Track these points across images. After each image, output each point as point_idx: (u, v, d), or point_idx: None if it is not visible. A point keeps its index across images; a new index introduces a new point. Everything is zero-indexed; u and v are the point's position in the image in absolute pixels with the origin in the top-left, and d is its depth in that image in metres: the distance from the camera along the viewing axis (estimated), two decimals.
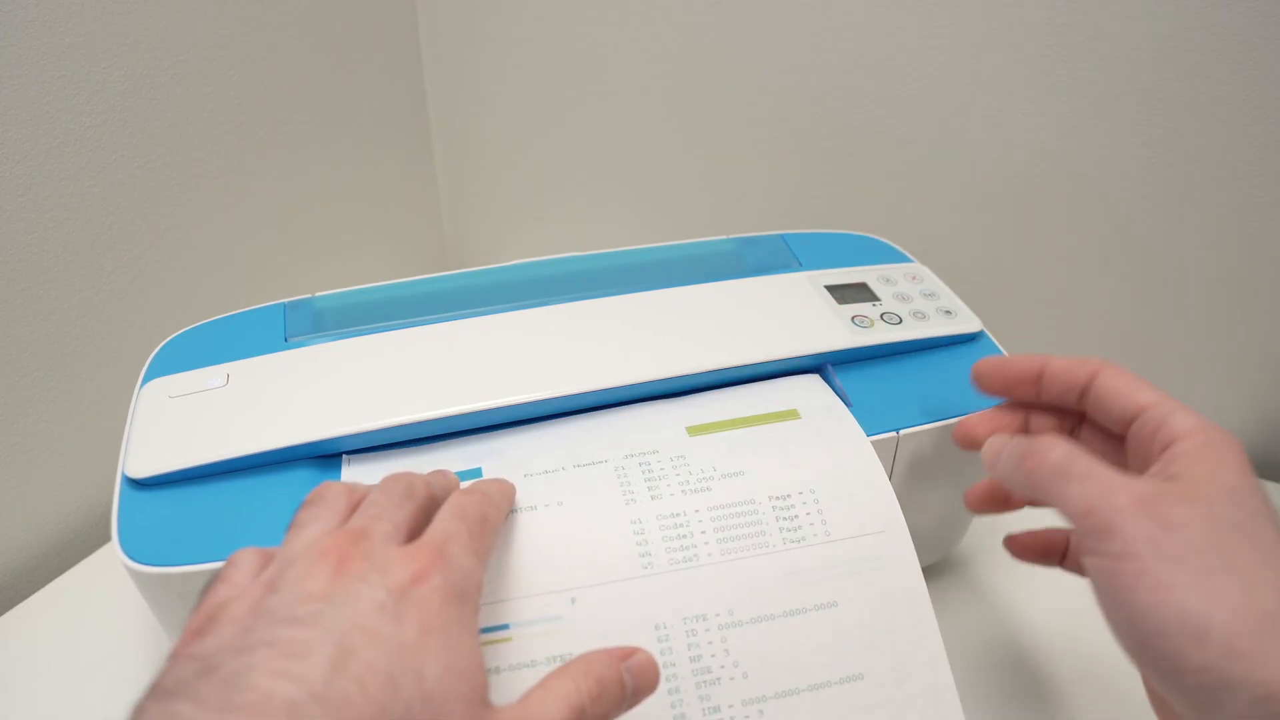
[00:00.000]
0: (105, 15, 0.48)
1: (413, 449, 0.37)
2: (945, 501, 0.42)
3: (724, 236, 0.51)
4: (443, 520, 0.27)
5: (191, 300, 0.58)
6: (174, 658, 0.22)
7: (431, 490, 0.29)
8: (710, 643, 0.31)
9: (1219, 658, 0.23)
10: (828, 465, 0.35)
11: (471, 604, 0.25)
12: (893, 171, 0.60)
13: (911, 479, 0.40)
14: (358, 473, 0.35)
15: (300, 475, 0.35)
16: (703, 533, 0.33)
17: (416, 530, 0.27)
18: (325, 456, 0.36)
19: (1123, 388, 0.32)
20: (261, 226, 0.62)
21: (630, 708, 0.26)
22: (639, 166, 0.70)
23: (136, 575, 0.32)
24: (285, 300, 0.45)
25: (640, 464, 0.35)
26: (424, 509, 0.28)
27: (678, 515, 0.33)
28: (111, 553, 0.33)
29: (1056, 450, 0.29)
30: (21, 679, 0.44)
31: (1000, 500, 0.36)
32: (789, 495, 0.34)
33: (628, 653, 0.27)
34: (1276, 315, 0.54)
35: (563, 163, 0.73)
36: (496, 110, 0.73)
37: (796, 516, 0.34)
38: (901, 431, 0.38)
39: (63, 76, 0.47)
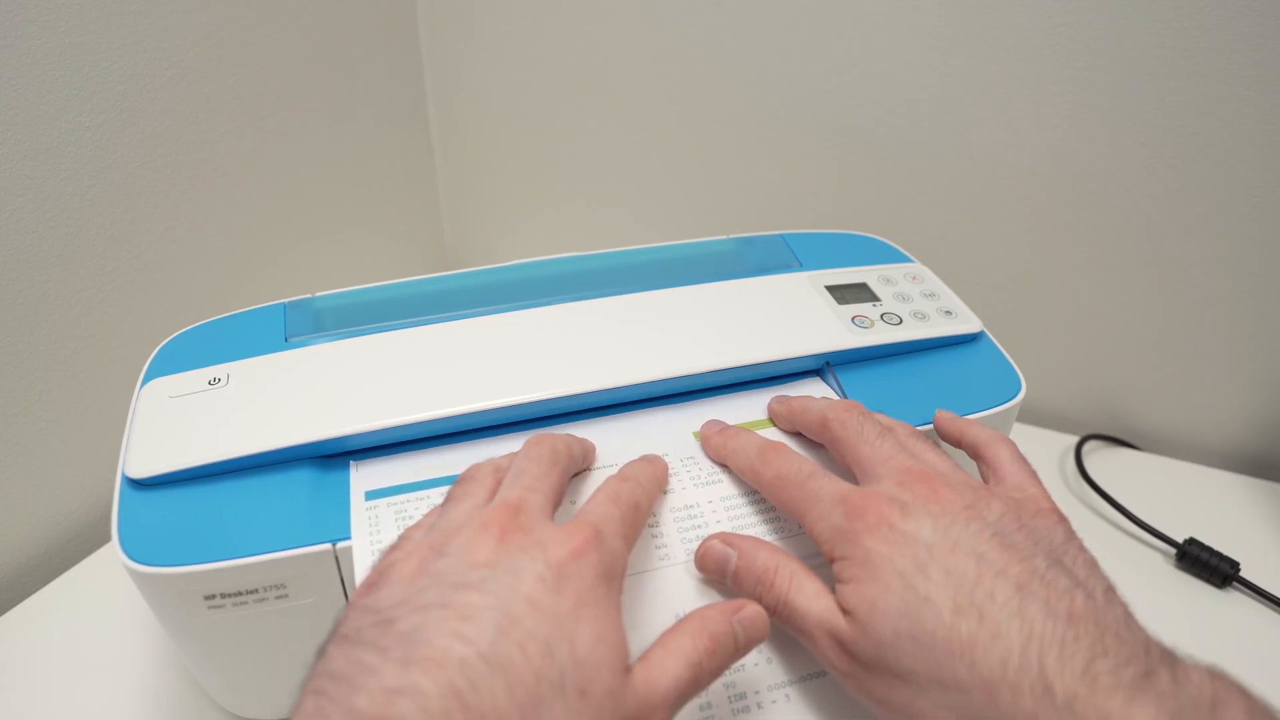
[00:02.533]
0: (105, 15, 0.48)
1: (416, 451, 0.37)
2: None
3: (724, 236, 0.51)
4: (599, 503, 0.29)
5: (191, 300, 0.58)
6: (351, 607, 0.24)
7: (572, 452, 0.32)
8: None
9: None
10: None
11: (618, 583, 0.26)
12: (893, 172, 0.60)
13: None
14: (365, 476, 0.35)
15: (300, 475, 0.35)
16: (717, 522, 0.33)
17: (562, 495, 0.30)
18: (325, 456, 0.36)
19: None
20: (261, 226, 0.62)
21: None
22: (639, 166, 0.70)
23: (136, 575, 0.32)
24: (285, 300, 0.45)
25: None
26: (568, 473, 0.31)
27: (691, 507, 0.34)
28: (111, 553, 0.33)
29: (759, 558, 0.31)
30: (21, 679, 0.44)
31: None
32: None
33: (738, 606, 0.28)
34: (1277, 315, 0.54)
35: (563, 163, 0.73)
36: (496, 110, 0.73)
37: None
38: None
39: (63, 76, 0.47)
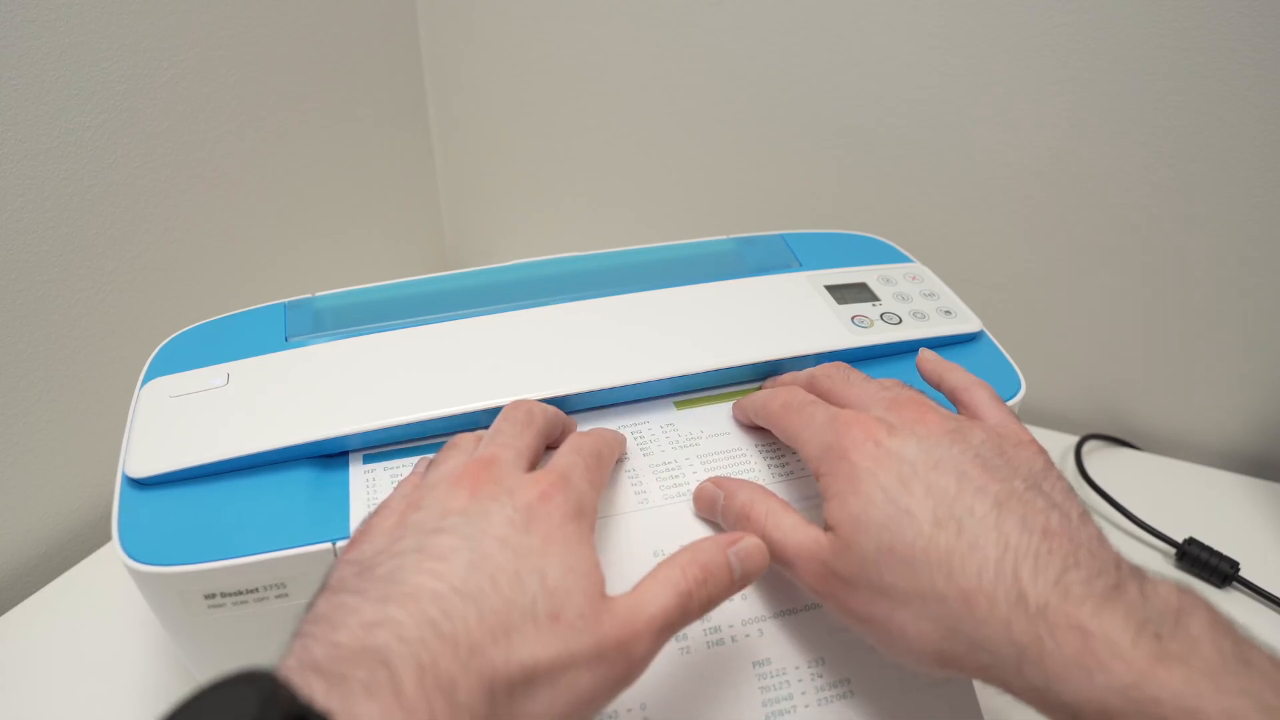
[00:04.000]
0: (105, 15, 0.48)
1: (416, 448, 0.37)
2: None
3: (724, 236, 0.51)
4: (564, 453, 0.30)
5: (191, 300, 0.58)
6: (337, 564, 0.26)
7: (548, 416, 0.33)
8: None
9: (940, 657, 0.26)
10: None
11: (588, 521, 0.27)
12: (893, 172, 0.60)
13: None
14: (367, 469, 0.36)
15: (300, 474, 0.35)
16: (694, 473, 0.35)
17: (538, 454, 0.31)
18: (325, 456, 0.36)
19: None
20: (261, 226, 0.62)
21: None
22: (639, 166, 0.70)
23: (136, 575, 0.32)
24: (285, 300, 0.45)
25: (632, 433, 0.37)
26: (543, 434, 0.32)
27: (670, 464, 0.35)
28: (111, 553, 0.33)
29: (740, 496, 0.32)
30: (21, 679, 0.44)
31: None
32: (776, 445, 0.36)
33: (734, 538, 0.28)
34: (1277, 315, 0.54)
35: (563, 163, 0.73)
36: (496, 110, 0.73)
37: (784, 458, 0.36)
38: None
39: (63, 76, 0.47)
